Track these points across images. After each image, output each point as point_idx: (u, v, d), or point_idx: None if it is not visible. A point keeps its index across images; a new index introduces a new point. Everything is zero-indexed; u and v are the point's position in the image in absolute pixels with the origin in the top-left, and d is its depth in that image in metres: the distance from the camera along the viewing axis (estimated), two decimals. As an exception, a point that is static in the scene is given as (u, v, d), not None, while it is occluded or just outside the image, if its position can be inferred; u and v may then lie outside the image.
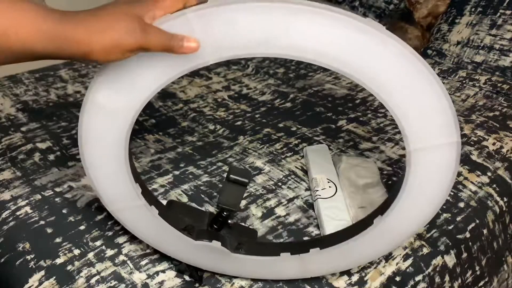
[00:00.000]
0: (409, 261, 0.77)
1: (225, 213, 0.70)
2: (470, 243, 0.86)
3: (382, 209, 0.66)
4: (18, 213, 0.86)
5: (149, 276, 0.73)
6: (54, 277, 0.72)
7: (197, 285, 0.72)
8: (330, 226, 0.79)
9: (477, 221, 0.89)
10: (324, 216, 0.81)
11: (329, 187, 0.89)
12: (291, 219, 0.85)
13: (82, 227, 0.82)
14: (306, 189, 0.93)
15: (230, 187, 0.67)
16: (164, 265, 0.75)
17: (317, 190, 0.88)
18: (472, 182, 0.96)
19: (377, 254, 0.71)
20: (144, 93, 0.57)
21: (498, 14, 1.46)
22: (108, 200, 0.67)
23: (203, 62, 0.53)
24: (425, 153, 0.57)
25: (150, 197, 0.69)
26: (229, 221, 0.73)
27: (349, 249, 0.68)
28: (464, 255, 0.85)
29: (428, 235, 0.82)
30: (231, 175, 0.67)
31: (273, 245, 0.78)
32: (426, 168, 0.58)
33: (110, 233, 0.81)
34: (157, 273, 0.73)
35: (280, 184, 0.94)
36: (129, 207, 0.67)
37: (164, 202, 0.88)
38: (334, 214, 0.82)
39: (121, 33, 0.45)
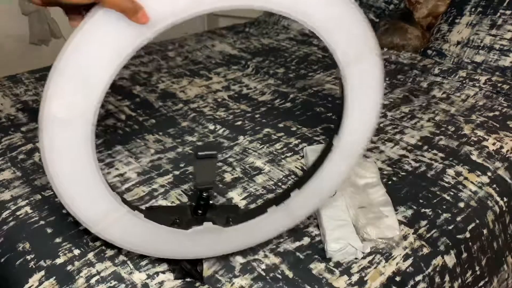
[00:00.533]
0: (409, 261, 0.77)
1: (204, 194, 0.71)
2: (470, 243, 0.86)
3: (336, 129, 0.71)
4: (18, 213, 0.86)
5: (149, 276, 0.73)
6: (54, 277, 0.72)
7: (197, 284, 0.72)
8: (330, 226, 0.79)
9: (477, 221, 0.89)
10: (324, 216, 0.81)
11: None
12: (291, 219, 0.85)
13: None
14: (306, 189, 0.93)
15: (201, 165, 0.67)
16: (164, 266, 0.75)
17: None
18: (472, 182, 0.96)
19: (346, 170, 0.75)
20: (97, 87, 0.54)
21: (498, 14, 1.46)
22: (91, 221, 0.63)
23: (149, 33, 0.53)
24: (355, 65, 0.66)
25: (128, 204, 0.67)
26: (210, 202, 0.74)
27: (322, 179, 0.73)
28: (464, 255, 0.85)
29: (428, 235, 0.82)
30: (198, 153, 0.66)
31: (258, 207, 0.79)
32: (359, 78, 0.67)
33: (110, 233, 0.81)
34: (157, 273, 0.73)
35: (280, 184, 0.94)
36: (114, 219, 0.64)
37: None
38: (334, 214, 0.82)
39: None
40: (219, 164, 1.01)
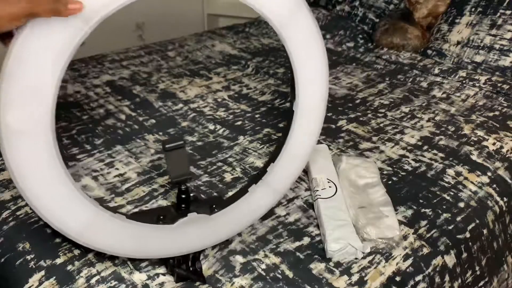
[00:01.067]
0: (409, 261, 0.77)
1: (182, 187, 0.71)
2: (470, 243, 0.86)
3: (293, 95, 0.74)
4: (18, 213, 0.86)
5: (149, 277, 0.73)
6: (54, 277, 0.72)
7: (198, 284, 0.72)
8: (330, 226, 0.79)
9: (477, 221, 0.89)
10: (324, 216, 0.81)
11: (329, 187, 0.89)
12: (291, 219, 0.85)
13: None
14: (306, 189, 0.93)
15: (172, 157, 0.68)
16: (164, 268, 0.75)
17: (317, 190, 0.88)
18: (472, 182, 0.96)
19: (311, 130, 0.78)
20: (47, 92, 0.54)
21: (498, 14, 1.46)
22: (75, 231, 0.62)
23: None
24: (289, 26, 0.69)
25: (108, 209, 0.66)
26: (192, 195, 0.75)
27: (292, 145, 0.76)
28: (464, 255, 0.85)
29: (428, 235, 0.82)
30: (166, 146, 0.67)
31: (239, 190, 0.79)
32: (296, 38, 0.70)
33: (110, 233, 0.81)
34: (157, 275, 0.73)
35: (280, 184, 0.94)
36: (98, 226, 0.64)
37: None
38: (334, 214, 0.82)
39: (3, 5, 0.48)
40: (219, 164, 1.01)
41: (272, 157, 0.77)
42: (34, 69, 0.53)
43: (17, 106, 0.53)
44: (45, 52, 0.52)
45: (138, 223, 0.68)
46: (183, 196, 0.73)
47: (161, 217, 0.72)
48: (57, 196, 0.59)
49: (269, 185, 0.77)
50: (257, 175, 0.79)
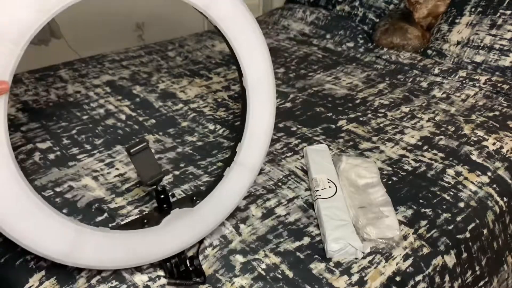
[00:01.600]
0: (409, 261, 0.77)
1: (159, 187, 0.72)
2: (470, 243, 0.86)
3: (239, 73, 0.78)
4: (18, 213, 0.86)
5: (151, 279, 0.73)
6: (55, 277, 0.72)
7: (198, 285, 0.72)
8: (330, 226, 0.79)
9: (477, 221, 0.89)
10: (324, 216, 0.81)
11: (329, 187, 0.89)
12: (291, 218, 0.85)
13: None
14: (306, 189, 0.93)
15: (139, 160, 0.68)
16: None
17: (317, 190, 0.88)
18: (472, 182, 0.96)
19: (267, 100, 0.81)
20: None
21: (498, 14, 1.46)
22: (62, 254, 0.62)
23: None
24: (211, 6, 0.72)
25: (87, 223, 0.66)
26: (170, 193, 0.75)
27: (252, 119, 0.79)
28: (464, 255, 0.85)
29: (428, 235, 0.82)
30: (130, 151, 0.68)
31: (217, 177, 0.81)
32: (223, 15, 0.73)
33: (110, 233, 0.81)
34: (158, 277, 0.73)
35: (280, 184, 0.94)
36: (83, 243, 0.63)
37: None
38: (334, 214, 0.82)
39: None
40: (220, 164, 1.01)
41: (238, 137, 0.79)
42: None
43: None
44: None
45: (123, 231, 0.67)
46: (162, 196, 0.73)
47: (145, 221, 0.72)
48: (32, 221, 0.58)
49: (241, 164, 0.79)
50: (229, 158, 0.80)
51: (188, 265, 0.73)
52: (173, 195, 0.79)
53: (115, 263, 0.68)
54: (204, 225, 0.75)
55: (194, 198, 0.77)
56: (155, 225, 0.70)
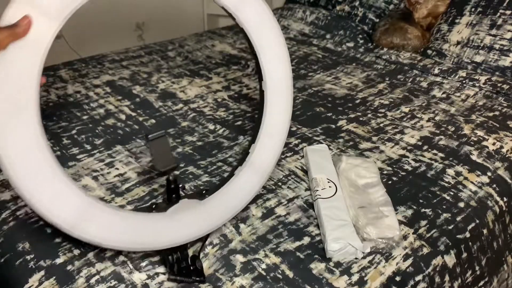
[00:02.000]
0: (409, 261, 0.77)
1: (170, 177, 0.73)
2: (470, 243, 0.86)
3: (260, 76, 0.79)
4: (18, 213, 0.86)
5: (149, 277, 0.73)
6: (54, 277, 0.72)
7: (198, 284, 0.72)
8: (330, 226, 0.79)
9: (477, 221, 0.89)
10: (324, 216, 0.81)
11: (329, 187, 0.89)
12: (291, 218, 0.85)
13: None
14: (306, 189, 0.93)
15: (155, 147, 0.72)
16: (164, 267, 0.75)
17: (317, 190, 0.88)
18: (472, 182, 0.96)
19: (283, 101, 0.84)
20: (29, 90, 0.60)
21: (498, 14, 1.46)
22: (70, 224, 0.64)
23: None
24: (242, 9, 0.76)
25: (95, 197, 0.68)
26: (181, 185, 0.76)
27: (269, 119, 0.82)
28: (464, 255, 0.85)
29: (428, 235, 0.82)
30: (149, 136, 0.71)
31: (228, 174, 0.82)
32: (252, 20, 0.77)
33: (110, 233, 0.81)
34: (157, 274, 0.73)
35: (280, 184, 0.94)
36: (90, 216, 0.65)
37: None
38: (334, 214, 0.82)
39: None
40: (219, 164, 1.01)
41: (253, 139, 0.81)
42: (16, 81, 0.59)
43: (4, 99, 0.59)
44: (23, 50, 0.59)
45: (131, 211, 0.69)
46: (172, 186, 0.74)
47: (154, 206, 0.73)
48: (47, 186, 0.61)
49: (253, 165, 0.80)
50: (242, 158, 0.82)
51: (190, 263, 0.73)
52: (184, 187, 0.80)
53: (119, 243, 0.68)
54: (210, 220, 0.76)
55: (204, 192, 0.77)
56: (162, 211, 0.71)
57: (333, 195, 0.87)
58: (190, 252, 0.77)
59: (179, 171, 0.98)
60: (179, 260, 0.73)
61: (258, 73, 0.81)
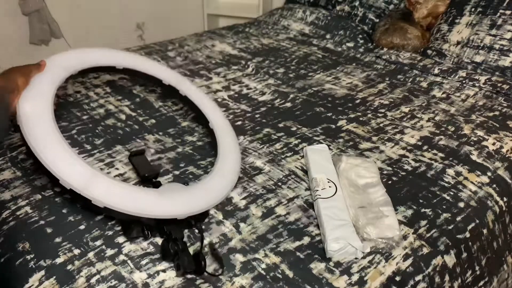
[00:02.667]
0: (409, 261, 0.77)
1: (153, 180, 0.92)
2: (470, 243, 0.86)
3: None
4: (18, 213, 0.86)
5: (149, 276, 0.73)
6: (54, 277, 0.72)
7: (198, 283, 0.72)
8: (330, 226, 0.79)
9: (477, 221, 0.89)
10: (324, 216, 0.81)
11: (329, 187, 0.89)
12: (291, 218, 0.85)
13: (82, 227, 0.82)
14: (306, 189, 0.93)
15: (136, 161, 0.94)
16: (165, 264, 0.75)
17: (317, 190, 0.88)
18: (472, 182, 0.96)
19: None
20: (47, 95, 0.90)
21: (498, 14, 1.46)
22: (81, 185, 0.76)
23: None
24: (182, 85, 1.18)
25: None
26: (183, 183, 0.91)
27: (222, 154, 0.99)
28: (464, 255, 0.85)
29: (428, 235, 0.82)
30: (130, 154, 0.99)
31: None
32: (192, 90, 1.21)
33: (110, 233, 0.81)
34: (157, 272, 0.73)
35: (280, 184, 0.94)
36: (97, 182, 0.78)
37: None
38: (334, 214, 0.82)
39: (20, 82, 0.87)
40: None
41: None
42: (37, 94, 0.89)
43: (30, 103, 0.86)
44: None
45: (129, 184, 0.86)
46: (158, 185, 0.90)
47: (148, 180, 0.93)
48: (64, 161, 0.79)
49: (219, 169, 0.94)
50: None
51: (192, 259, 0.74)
52: (187, 183, 0.91)
53: (120, 205, 0.77)
54: (205, 201, 0.85)
55: (185, 183, 0.91)
56: (156, 187, 0.88)
57: (333, 195, 0.87)
58: (191, 250, 0.77)
59: (179, 171, 0.98)
60: (183, 251, 0.75)
61: (202, 118, 1.10)
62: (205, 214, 0.85)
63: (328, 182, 0.90)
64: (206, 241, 0.79)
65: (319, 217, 0.83)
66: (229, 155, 0.99)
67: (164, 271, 0.74)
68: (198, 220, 0.83)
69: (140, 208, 0.78)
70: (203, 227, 0.82)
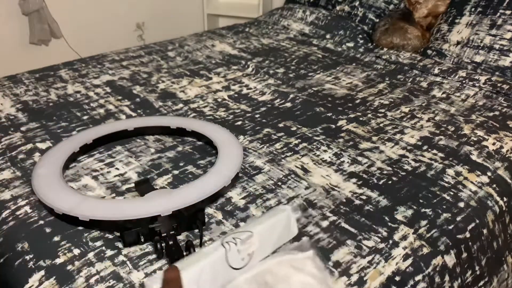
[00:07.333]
0: (409, 261, 0.77)
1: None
2: (470, 243, 0.86)
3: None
4: (18, 213, 0.86)
5: (146, 275, 0.73)
6: (54, 277, 0.72)
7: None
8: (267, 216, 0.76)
9: (477, 221, 0.89)
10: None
11: (247, 255, 0.69)
12: (291, 219, 0.85)
13: (81, 227, 0.82)
14: (306, 188, 0.93)
15: (141, 190, 0.90)
16: (162, 261, 0.75)
17: (238, 239, 0.69)
18: (472, 182, 0.96)
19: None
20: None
21: (498, 14, 1.46)
22: (69, 208, 0.80)
23: None
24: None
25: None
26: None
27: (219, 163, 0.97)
28: (464, 255, 0.85)
29: (428, 235, 0.82)
30: (134, 183, 0.94)
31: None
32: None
33: (109, 236, 0.81)
34: (154, 271, 0.73)
35: (280, 183, 0.94)
36: (83, 204, 0.82)
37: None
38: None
39: None
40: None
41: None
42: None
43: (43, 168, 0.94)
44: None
45: (114, 199, 0.88)
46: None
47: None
48: (56, 192, 0.85)
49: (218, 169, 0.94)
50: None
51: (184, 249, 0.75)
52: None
53: (106, 215, 0.80)
54: (180, 199, 0.84)
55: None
56: (141, 195, 0.89)
57: (241, 267, 0.69)
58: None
59: (178, 171, 0.98)
60: (169, 239, 0.76)
61: (207, 142, 1.09)
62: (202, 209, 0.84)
63: (249, 255, 0.70)
64: (205, 239, 0.79)
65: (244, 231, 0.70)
66: (226, 149, 1.00)
67: (160, 268, 0.74)
68: (197, 217, 0.82)
69: (124, 214, 0.79)
70: (203, 226, 0.82)
